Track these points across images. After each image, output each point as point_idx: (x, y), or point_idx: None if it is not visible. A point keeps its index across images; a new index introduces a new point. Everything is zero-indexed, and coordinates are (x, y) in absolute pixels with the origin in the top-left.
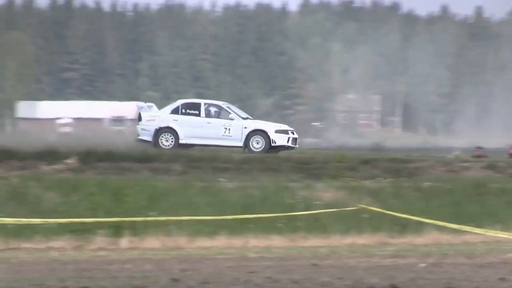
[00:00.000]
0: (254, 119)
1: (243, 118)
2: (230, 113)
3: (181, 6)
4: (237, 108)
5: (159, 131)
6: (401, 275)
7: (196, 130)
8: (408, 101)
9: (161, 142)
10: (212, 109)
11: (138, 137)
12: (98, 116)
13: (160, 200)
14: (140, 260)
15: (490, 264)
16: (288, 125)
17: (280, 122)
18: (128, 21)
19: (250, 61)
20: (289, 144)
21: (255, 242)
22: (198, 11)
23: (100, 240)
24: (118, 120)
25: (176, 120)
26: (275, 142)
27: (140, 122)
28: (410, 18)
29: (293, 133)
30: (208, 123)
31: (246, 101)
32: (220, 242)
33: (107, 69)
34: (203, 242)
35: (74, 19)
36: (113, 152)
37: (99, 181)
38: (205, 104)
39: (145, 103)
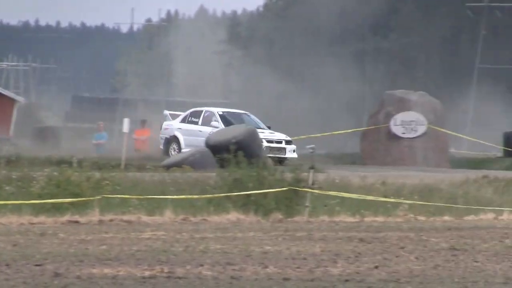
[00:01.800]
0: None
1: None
2: (217, 121)
3: None
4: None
5: (169, 140)
6: None
7: (193, 138)
8: None
9: (170, 151)
10: (209, 117)
11: (160, 146)
12: None
13: None
14: None
15: None
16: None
17: None
18: None
19: None
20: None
21: None
22: None
23: None
24: None
25: (180, 129)
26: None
27: (161, 131)
28: None
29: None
30: (200, 131)
31: None
32: None
33: None
34: None
35: None
36: None
37: None
38: (205, 112)
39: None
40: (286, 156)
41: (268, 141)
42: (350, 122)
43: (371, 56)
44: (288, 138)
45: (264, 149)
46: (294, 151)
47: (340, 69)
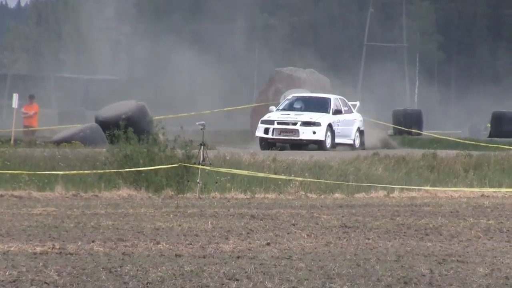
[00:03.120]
0: None
1: None
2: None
3: None
4: None
5: None
6: None
7: None
8: None
9: None
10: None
11: None
12: None
13: None
14: None
15: None
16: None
17: None
18: None
19: None
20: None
21: None
22: None
23: None
24: None
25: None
26: None
27: None
28: None
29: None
30: None
31: None
32: None
33: None
34: None
35: None
36: None
37: None
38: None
39: None
40: (301, 138)
41: (279, 123)
42: (242, 99)
43: (260, 33)
44: (312, 120)
45: (272, 131)
46: (314, 132)
47: (231, 46)
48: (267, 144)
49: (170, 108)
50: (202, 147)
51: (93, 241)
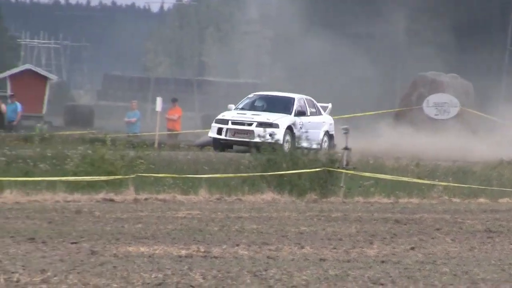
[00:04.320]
0: None
1: None
2: None
3: None
4: None
5: None
6: None
7: None
8: None
9: None
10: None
11: None
12: None
13: None
14: None
15: None
16: None
17: None
18: None
19: None
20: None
21: None
22: None
23: None
24: None
25: None
26: None
27: None
28: None
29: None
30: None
31: None
32: None
33: None
34: None
35: None
36: None
37: None
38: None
39: None
40: (257, 140)
41: (233, 123)
42: (382, 103)
43: (402, 37)
44: (270, 121)
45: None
46: (271, 135)
47: (372, 50)
48: (220, 145)
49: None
50: (345, 151)
51: (237, 245)
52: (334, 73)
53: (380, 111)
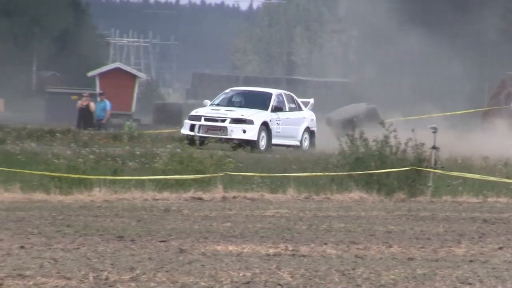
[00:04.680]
0: None
1: None
2: None
3: None
4: None
5: None
6: None
7: None
8: None
9: None
10: None
11: None
12: None
13: None
14: None
15: None
16: None
17: None
18: None
19: None
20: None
21: None
22: None
23: None
24: None
25: None
26: None
27: None
28: None
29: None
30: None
31: None
32: None
33: None
34: None
35: None
36: None
37: None
38: None
39: None
40: (230, 137)
41: (206, 119)
42: (471, 102)
43: (491, 36)
44: (244, 117)
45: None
46: (244, 131)
47: (461, 48)
48: (193, 142)
49: (400, 110)
50: (433, 150)
51: (325, 244)
52: (423, 71)
53: (469, 110)
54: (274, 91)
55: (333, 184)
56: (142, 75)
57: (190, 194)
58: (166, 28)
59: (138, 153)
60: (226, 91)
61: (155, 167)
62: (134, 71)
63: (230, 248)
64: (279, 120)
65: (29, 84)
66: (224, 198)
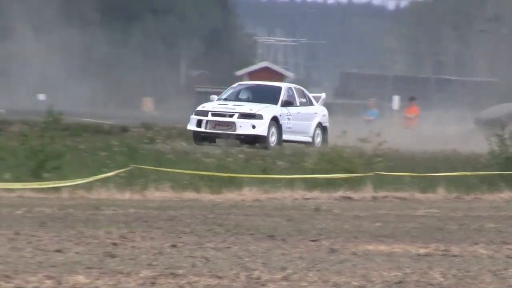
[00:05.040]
0: None
1: None
2: None
3: None
4: None
5: None
6: None
7: None
8: None
9: None
10: None
11: None
12: None
13: None
14: None
15: None
16: None
17: None
18: None
19: None
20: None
21: None
22: None
23: None
24: None
25: None
26: None
27: None
28: None
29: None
30: None
31: None
32: None
33: None
34: None
35: None
36: None
37: None
38: None
39: None
40: (239, 132)
41: (214, 114)
42: None
43: None
44: (252, 112)
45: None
46: (254, 126)
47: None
48: (200, 139)
49: None
50: None
51: (476, 244)
52: None
53: None
54: (283, 85)
55: (484, 184)
56: (290, 74)
57: (340, 193)
58: (314, 27)
59: (288, 152)
60: (234, 85)
61: (305, 166)
62: (281, 70)
63: (381, 247)
64: (290, 115)
65: (177, 83)
66: (374, 198)
